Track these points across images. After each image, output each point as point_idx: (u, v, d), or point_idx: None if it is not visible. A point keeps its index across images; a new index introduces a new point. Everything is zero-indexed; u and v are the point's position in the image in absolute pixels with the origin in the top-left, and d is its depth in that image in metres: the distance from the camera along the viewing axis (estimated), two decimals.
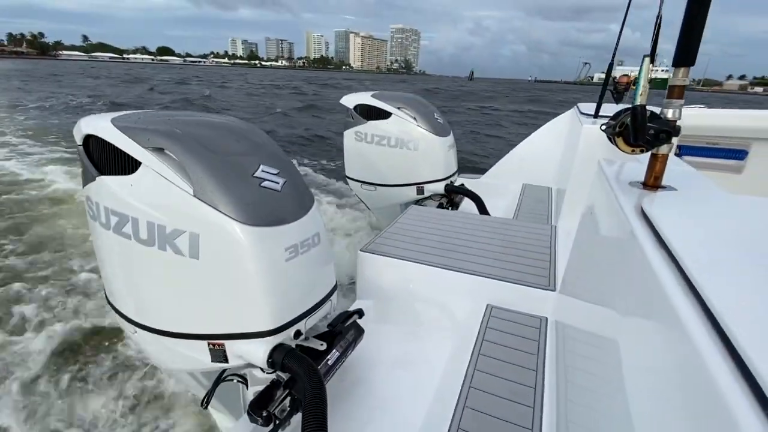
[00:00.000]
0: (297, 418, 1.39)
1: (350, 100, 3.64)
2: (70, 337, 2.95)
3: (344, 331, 1.57)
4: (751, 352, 0.46)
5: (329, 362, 1.43)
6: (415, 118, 3.44)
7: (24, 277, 3.75)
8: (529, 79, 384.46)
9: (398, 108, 3.46)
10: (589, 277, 1.41)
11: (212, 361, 1.36)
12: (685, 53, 1.07)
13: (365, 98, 3.56)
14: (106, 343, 2.92)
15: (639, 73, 1.14)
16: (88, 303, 3.37)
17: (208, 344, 1.34)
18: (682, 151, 3.27)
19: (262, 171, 1.33)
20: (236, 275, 1.24)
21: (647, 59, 1.13)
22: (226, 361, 1.34)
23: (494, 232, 2.57)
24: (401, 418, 1.55)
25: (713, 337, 0.52)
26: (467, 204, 3.62)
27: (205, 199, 1.22)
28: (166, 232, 1.26)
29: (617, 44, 2.83)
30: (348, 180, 3.99)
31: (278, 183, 1.34)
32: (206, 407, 1.58)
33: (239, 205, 1.22)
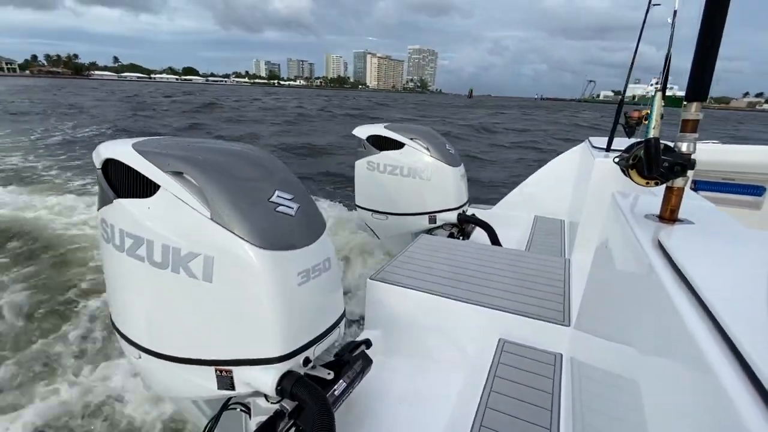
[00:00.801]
0: None
1: (363, 132, 3.72)
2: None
3: (352, 360, 1.54)
4: None
5: (336, 392, 1.41)
6: (428, 149, 3.49)
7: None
8: (535, 97, 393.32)
9: (411, 139, 3.53)
10: (606, 312, 1.37)
11: (219, 388, 1.34)
12: (697, 88, 1.07)
13: (378, 129, 3.64)
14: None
15: (651, 106, 1.14)
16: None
17: (216, 370, 1.32)
18: (698, 186, 3.23)
19: (278, 196, 1.35)
20: (249, 298, 1.24)
21: (659, 93, 1.13)
22: (233, 388, 1.32)
23: (507, 264, 2.53)
24: None
25: (741, 376, 0.50)
26: (477, 234, 3.60)
27: (221, 222, 1.23)
28: (180, 255, 1.27)
29: (629, 76, 2.83)
30: (358, 208, 4.02)
31: (292, 208, 1.36)
32: None
33: (255, 229, 1.23)
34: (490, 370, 1.73)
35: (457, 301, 2.06)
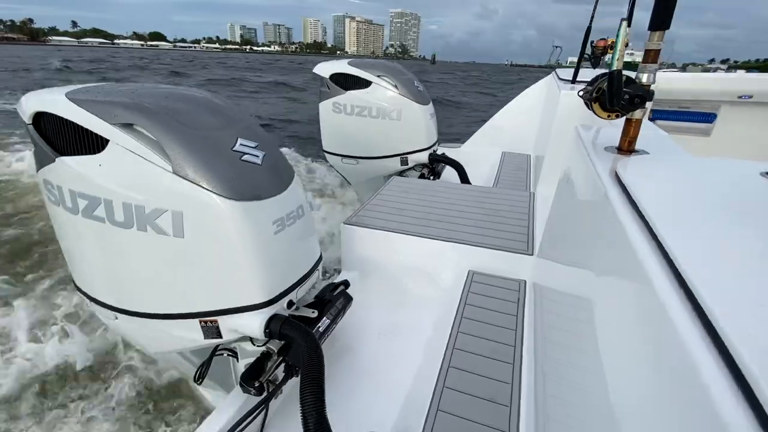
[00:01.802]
0: (288, 386, 1.44)
1: (325, 69, 3.47)
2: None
3: (333, 299, 1.60)
4: (711, 303, 0.50)
5: (320, 329, 1.46)
6: (396, 86, 3.34)
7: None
8: (506, 63, 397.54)
9: (378, 76, 3.35)
10: (565, 240, 1.46)
11: (205, 338, 1.36)
12: (661, 17, 1.08)
13: (342, 66, 3.42)
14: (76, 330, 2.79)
15: (617, 38, 1.15)
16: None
17: (200, 322, 1.33)
18: (655, 115, 3.35)
19: (241, 145, 1.29)
20: (226, 251, 1.23)
21: (624, 23, 1.14)
22: (219, 336, 1.34)
23: (475, 201, 2.62)
24: (389, 381, 1.61)
25: (678, 291, 0.55)
26: (447, 173, 3.62)
27: (185, 175, 1.17)
28: (145, 213, 1.21)
29: (595, 6, 2.82)
30: (326, 154, 3.87)
31: (258, 156, 1.31)
32: (201, 382, 1.57)
33: (223, 180, 1.19)
34: (460, 300, 1.86)
35: (429, 239, 2.15)
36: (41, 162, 1.39)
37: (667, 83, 3.21)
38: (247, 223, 1.21)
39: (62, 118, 1.28)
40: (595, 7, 2.84)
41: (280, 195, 1.33)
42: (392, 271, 2.21)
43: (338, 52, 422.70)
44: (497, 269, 2.05)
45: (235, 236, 1.21)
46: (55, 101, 1.31)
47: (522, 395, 1.36)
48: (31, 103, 1.38)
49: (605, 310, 0.83)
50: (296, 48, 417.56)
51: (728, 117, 3.30)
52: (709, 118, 3.35)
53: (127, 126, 1.22)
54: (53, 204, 1.41)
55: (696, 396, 0.43)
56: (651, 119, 3.25)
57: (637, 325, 0.66)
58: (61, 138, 1.32)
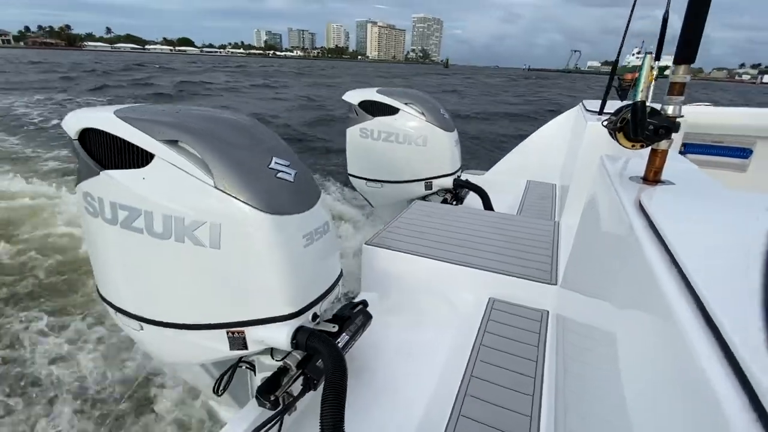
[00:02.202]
0: (301, 403, 1.45)
1: (354, 97, 3.62)
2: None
3: (353, 316, 1.62)
4: (741, 348, 0.48)
5: (340, 344, 1.49)
6: (422, 114, 3.44)
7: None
8: (523, 67, 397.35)
9: (405, 104, 3.47)
10: (589, 271, 1.44)
11: (231, 349, 1.39)
12: (686, 51, 1.09)
13: (370, 94, 3.56)
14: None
15: (640, 70, 1.16)
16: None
17: (227, 332, 1.36)
18: (687, 149, 3.26)
19: (276, 163, 1.37)
20: (258, 262, 1.27)
21: (648, 56, 1.15)
22: (245, 347, 1.37)
23: (497, 228, 2.61)
24: (404, 403, 1.60)
25: (706, 333, 0.54)
26: (470, 200, 3.65)
27: (226, 190, 1.24)
28: (184, 224, 1.27)
29: (623, 40, 2.78)
30: (351, 177, 3.97)
31: (291, 174, 1.38)
32: (221, 394, 1.60)
33: (261, 195, 1.25)
34: (480, 326, 1.84)
35: (449, 264, 2.15)
36: (83, 175, 1.47)
37: (697, 117, 3.11)
38: (280, 236, 1.27)
39: (110, 134, 1.36)
40: (622, 43, 2.79)
41: (309, 211, 1.39)
42: (411, 294, 2.21)
43: (359, 57, 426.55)
44: (519, 297, 2.02)
45: (268, 248, 1.26)
46: (105, 118, 1.39)
47: (541, 430, 1.32)
48: (78, 121, 1.47)
49: (629, 346, 0.81)
50: (318, 53, 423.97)
51: (765, 152, 3.18)
52: (744, 153, 3.23)
53: (172, 142, 1.30)
54: (91, 215, 1.47)
55: None
56: (683, 153, 3.17)
57: (661, 364, 0.64)
58: (107, 153, 1.40)
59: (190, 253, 1.28)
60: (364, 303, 1.73)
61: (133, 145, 1.32)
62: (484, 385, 1.51)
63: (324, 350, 1.30)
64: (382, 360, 1.83)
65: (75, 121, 1.47)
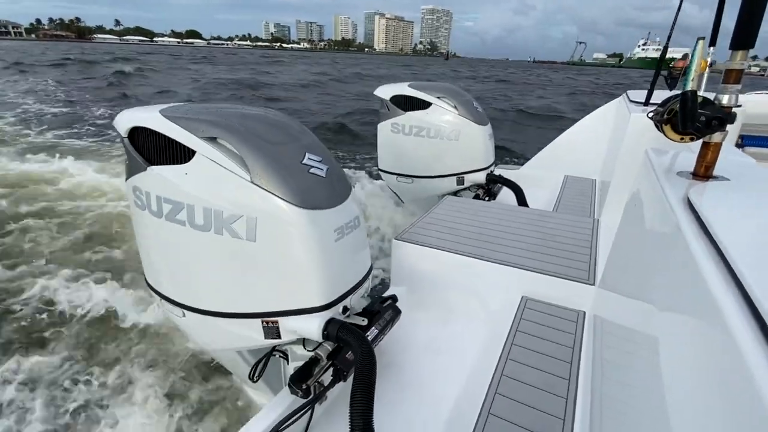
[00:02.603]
0: (333, 392, 1.48)
1: (386, 92, 3.58)
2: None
3: (383, 310, 1.64)
4: None
5: (369, 338, 1.50)
6: (455, 107, 3.37)
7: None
8: (528, 60, 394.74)
9: (438, 98, 3.41)
10: (631, 272, 1.37)
11: (265, 338, 1.45)
12: (744, 35, 1.01)
13: (402, 89, 3.52)
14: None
15: (691, 57, 1.08)
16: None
17: (262, 322, 1.42)
18: (745, 141, 3.03)
19: (309, 159, 1.40)
20: (292, 255, 1.32)
21: (701, 42, 1.07)
22: (278, 337, 1.43)
23: (532, 224, 2.53)
24: (433, 399, 1.59)
25: (759, 337, 0.50)
26: (504, 196, 3.55)
27: (262, 185, 1.29)
28: (223, 217, 1.33)
29: (673, 25, 2.62)
30: (381, 173, 3.97)
31: (323, 170, 1.41)
32: (256, 380, 1.67)
33: (295, 190, 1.30)
34: (512, 325, 1.79)
35: (481, 260, 2.10)
36: (133, 171, 1.55)
37: (758, 107, 2.89)
38: (313, 230, 1.30)
39: (156, 132, 1.44)
40: (672, 27, 2.63)
41: (340, 206, 1.42)
42: (441, 290, 2.19)
43: (366, 49, 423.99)
44: (553, 297, 1.95)
45: (301, 242, 1.30)
46: (151, 118, 1.47)
47: None
48: (128, 119, 1.55)
49: (673, 351, 0.76)
50: (325, 45, 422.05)
51: None
52: None
53: (212, 140, 1.36)
54: (139, 208, 1.56)
55: None
56: (740, 146, 2.96)
57: (708, 371, 0.60)
58: (153, 149, 1.48)
59: (228, 245, 1.35)
60: (394, 298, 1.74)
61: (176, 142, 1.39)
62: (515, 384, 1.48)
63: (354, 342, 1.34)
64: (411, 355, 1.83)
65: (125, 120, 1.56)
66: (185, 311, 1.57)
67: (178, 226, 1.42)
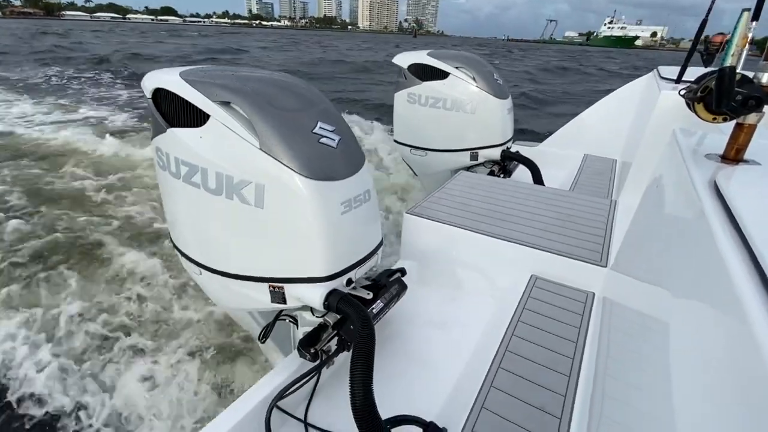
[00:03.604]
0: (340, 358, 1.53)
1: (404, 60, 3.43)
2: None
3: (389, 284, 1.64)
4: None
5: (374, 311, 1.52)
6: (474, 79, 3.22)
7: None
8: (503, 38, 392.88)
9: (456, 68, 3.26)
10: (647, 255, 1.34)
11: (272, 301, 1.48)
12: None
13: (421, 57, 3.36)
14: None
15: (734, 31, 1.01)
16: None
17: (269, 286, 1.45)
18: None
19: (320, 128, 1.37)
20: (298, 225, 1.32)
21: (746, 14, 1.00)
22: (284, 302, 1.46)
23: (547, 203, 2.48)
24: (436, 371, 1.62)
25: None
26: (520, 173, 3.46)
27: (270, 152, 1.28)
28: (233, 183, 1.34)
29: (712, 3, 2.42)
30: (396, 144, 3.85)
31: (334, 140, 1.38)
32: (264, 341, 1.73)
33: (302, 159, 1.28)
34: (519, 303, 1.79)
35: (491, 238, 2.08)
36: (156, 131, 1.57)
37: None
38: (319, 201, 1.29)
39: (175, 94, 1.44)
40: (712, 4, 2.45)
41: (351, 178, 1.40)
42: (450, 265, 2.19)
43: (349, 27, 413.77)
44: (563, 277, 1.94)
45: (307, 212, 1.29)
46: (171, 80, 1.47)
47: (575, 410, 1.30)
48: (152, 81, 1.55)
49: (686, 339, 0.74)
50: (306, 23, 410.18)
51: None
52: None
53: (225, 104, 1.35)
54: (161, 168, 1.59)
55: None
56: None
57: (722, 361, 0.58)
58: (172, 111, 1.49)
59: (237, 210, 1.36)
60: (402, 271, 1.74)
61: (193, 105, 1.39)
62: (519, 360, 1.49)
63: (353, 314, 1.35)
64: (416, 328, 1.85)
65: (149, 82, 1.56)
66: (201, 270, 1.61)
67: (193, 188, 1.44)
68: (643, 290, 1.23)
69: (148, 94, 1.57)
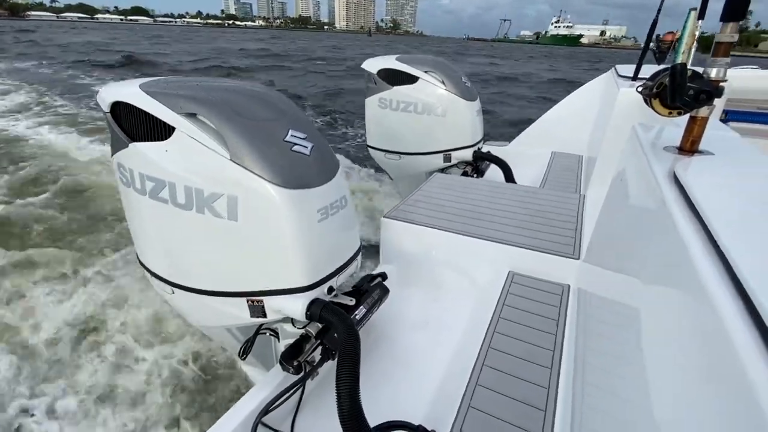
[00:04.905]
0: (324, 368, 1.50)
1: (373, 65, 3.47)
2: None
3: (371, 289, 1.64)
4: None
5: (357, 317, 1.51)
6: (443, 82, 3.30)
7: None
8: (464, 37, 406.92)
9: (425, 72, 3.33)
10: (615, 246, 1.40)
11: (251, 316, 1.44)
12: (735, 6, 1.00)
13: (390, 62, 3.41)
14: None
15: (683, 30, 1.07)
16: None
17: (248, 301, 1.41)
18: (729, 116, 3.04)
19: (292, 136, 1.35)
20: (274, 235, 1.29)
21: (693, 13, 1.06)
22: (264, 315, 1.42)
23: (519, 201, 2.55)
24: (422, 373, 1.63)
25: (739, 307, 0.50)
26: (492, 172, 3.55)
27: (241, 163, 1.25)
28: (203, 196, 1.30)
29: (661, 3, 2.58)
30: (370, 149, 3.89)
31: (307, 147, 1.37)
32: (245, 358, 1.68)
33: (275, 168, 1.26)
34: (498, 300, 1.83)
35: (469, 237, 2.12)
36: (116, 147, 1.51)
37: (741, 81, 2.86)
38: (295, 210, 1.27)
39: (136, 107, 1.38)
40: (661, 3, 2.59)
41: (326, 185, 1.39)
42: (430, 267, 2.21)
43: (326, 27, 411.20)
44: (539, 272, 2.00)
45: (283, 222, 1.27)
46: (131, 93, 1.41)
47: (558, 401, 1.33)
48: (109, 94, 1.49)
49: (656, 323, 0.78)
50: (281, 23, 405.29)
51: None
52: None
53: (191, 116, 1.31)
54: (124, 185, 1.53)
55: (758, 423, 0.39)
56: (724, 120, 2.95)
57: (690, 341, 0.61)
58: (134, 125, 1.43)
59: (209, 224, 1.32)
60: (383, 276, 1.74)
61: (156, 118, 1.34)
62: (501, 356, 1.52)
63: (337, 322, 1.34)
64: (400, 331, 1.86)
65: (107, 95, 1.50)
66: (174, 288, 1.56)
67: (161, 204, 1.39)
68: (613, 279, 1.28)
69: (106, 108, 1.50)
